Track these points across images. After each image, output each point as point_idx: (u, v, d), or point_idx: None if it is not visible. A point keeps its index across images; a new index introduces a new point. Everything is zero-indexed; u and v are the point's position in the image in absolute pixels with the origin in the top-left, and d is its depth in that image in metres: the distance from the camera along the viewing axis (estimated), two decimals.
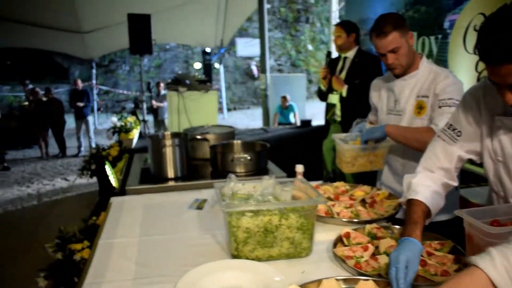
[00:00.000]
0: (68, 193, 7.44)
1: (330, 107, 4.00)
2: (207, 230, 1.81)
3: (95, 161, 4.58)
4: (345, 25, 3.80)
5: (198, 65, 15.81)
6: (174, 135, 2.83)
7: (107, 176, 3.96)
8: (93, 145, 9.92)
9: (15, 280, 4.53)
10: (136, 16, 7.60)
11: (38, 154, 10.38)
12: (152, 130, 8.23)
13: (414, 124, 2.14)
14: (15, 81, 17.98)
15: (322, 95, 4.08)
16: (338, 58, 3.97)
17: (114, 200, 2.21)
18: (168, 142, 2.57)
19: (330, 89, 3.87)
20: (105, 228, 1.87)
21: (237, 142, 2.93)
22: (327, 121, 4.08)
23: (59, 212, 6.47)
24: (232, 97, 18.25)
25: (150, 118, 8.93)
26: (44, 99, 9.88)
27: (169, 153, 2.56)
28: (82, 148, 10.24)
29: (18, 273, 4.67)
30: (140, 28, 7.51)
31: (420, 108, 2.12)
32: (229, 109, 17.14)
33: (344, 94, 3.64)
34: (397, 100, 2.22)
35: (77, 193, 7.38)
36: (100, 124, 13.45)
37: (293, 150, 5.05)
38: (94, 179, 7.48)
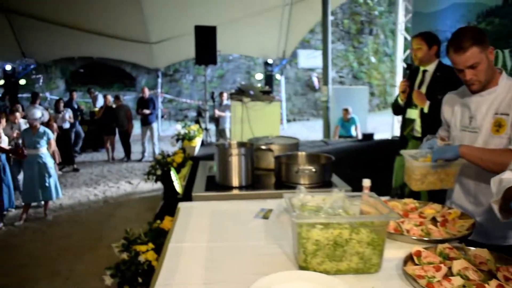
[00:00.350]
0: (131, 196, 7.74)
1: (408, 122, 3.80)
2: (274, 240, 1.82)
3: (160, 167, 4.74)
4: (427, 37, 3.58)
5: (259, 76, 16.01)
6: (240, 144, 2.87)
7: (172, 182, 4.08)
8: (157, 151, 10.28)
9: (82, 276, 4.76)
10: (203, 28, 7.84)
11: (105, 158, 10.91)
12: (213, 139, 8.40)
13: (491, 143, 2.03)
14: (86, 87, 19.10)
15: (399, 109, 3.89)
16: (416, 71, 3.80)
17: (182, 206, 2.27)
18: (235, 151, 2.61)
19: (408, 103, 3.71)
20: (174, 232, 1.93)
21: (301, 154, 2.92)
22: (403, 136, 3.90)
23: (123, 214, 6.73)
24: (292, 108, 18.28)
25: (212, 127, 9.12)
26: (114, 105, 10.37)
27: (235, 162, 2.61)
28: (146, 154, 10.63)
29: (84, 269, 4.91)
30: (205, 40, 7.75)
31: (498, 126, 2.02)
32: (288, 120, 17.17)
33: (426, 109, 3.47)
34: (472, 116, 2.12)
35: (140, 196, 7.66)
36: (163, 131, 13.91)
37: (355, 164, 4.96)
38: (156, 184, 7.75)
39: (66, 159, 9.24)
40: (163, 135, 13.34)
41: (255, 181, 2.77)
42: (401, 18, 9.29)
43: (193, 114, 18.40)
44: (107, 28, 10.79)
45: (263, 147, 2.98)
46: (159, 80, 14.43)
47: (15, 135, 6.95)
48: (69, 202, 7.36)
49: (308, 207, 1.63)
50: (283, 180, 2.72)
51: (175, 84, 19.01)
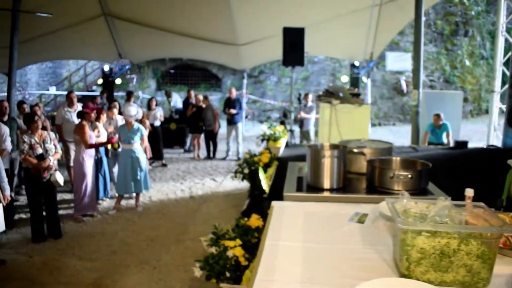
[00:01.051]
0: (215, 192, 7.97)
1: None
2: (370, 245, 1.77)
3: (247, 166, 4.83)
4: None
5: (345, 79, 15.72)
6: (333, 146, 2.83)
7: (259, 181, 4.13)
8: (241, 151, 10.49)
9: (168, 267, 4.97)
10: (291, 29, 7.87)
11: (191, 155, 11.33)
12: (297, 141, 8.40)
13: None
14: (175, 87, 19.97)
15: None
16: None
17: (276, 204, 2.29)
18: (328, 153, 2.58)
19: None
20: (270, 229, 1.94)
21: (396, 159, 2.81)
22: None
23: (207, 210, 6.95)
24: (377, 112, 17.75)
25: (296, 128, 9.13)
26: (203, 105, 10.73)
27: (328, 164, 2.57)
28: (230, 153, 10.89)
29: (171, 260, 5.13)
30: (293, 41, 7.76)
31: None
32: (373, 125, 16.69)
33: None
34: None
35: (224, 194, 7.86)
36: (247, 131, 14.17)
37: (448, 173, 4.70)
38: (240, 182, 7.89)
39: (156, 155, 9.73)
40: (247, 135, 13.58)
41: (346, 185, 2.72)
42: (503, 19, 8.65)
43: (276, 115, 18.55)
44: (197, 31, 11.19)
45: (356, 150, 2.91)
46: (245, 81, 14.71)
47: (111, 129, 7.44)
48: (158, 196, 7.74)
49: (412, 214, 1.56)
50: (376, 185, 2.63)
51: (260, 85, 19.28)
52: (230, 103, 10.46)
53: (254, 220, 3.58)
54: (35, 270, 4.92)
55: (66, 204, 7.10)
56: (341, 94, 4.70)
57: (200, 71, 19.99)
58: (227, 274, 2.99)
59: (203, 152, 11.18)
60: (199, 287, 4.46)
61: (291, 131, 7.71)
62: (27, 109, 7.92)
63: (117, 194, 7.05)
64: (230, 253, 3.09)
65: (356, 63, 13.15)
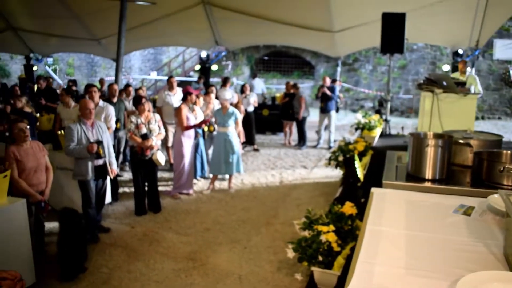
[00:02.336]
0: (305, 179, 7.99)
1: None
2: (478, 238, 1.69)
3: (342, 153, 4.79)
4: None
5: (446, 67, 14.79)
6: (437, 136, 2.71)
7: (353, 168, 4.09)
8: (332, 139, 10.39)
9: (257, 247, 5.11)
10: (391, 15, 7.55)
11: (282, 141, 11.45)
12: (393, 131, 8.10)
13: None
14: (268, 74, 20.20)
15: None
16: None
17: (376, 191, 2.25)
18: (431, 142, 2.48)
19: None
20: (370, 215, 1.92)
21: (507, 152, 2.62)
22: None
23: (297, 195, 7.00)
24: (481, 104, 16.50)
25: (392, 118, 8.80)
26: (294, 93, 10.76)
27: (431, 153, 2.47)
28: (321, 141, 10.83)
29: (260, 242, 5.27)
30: (393, 27, 7.45)
31: None
32: (476, 118, 15.57)
33: None
34: None
35: (313, 181, 7.86)
36: (339, 120, 13.94)
37: None
38: (329, 171, 7.84)
39: (248, 140, 9.98)
40: (338, 124, 13.39)
41: (449, 176, 2.59)
42: None
43: (369, 104, 18.05)
44: (292, 18, 11.14)
45: (461, 141, 2.76)
46: (338, 69, 14.47)
47: (208, 112, 7.74)
48: (249, 179, 7.95)
49: None
50: (482, 178, 2.48)
51: (353, 73, 18.84)
52: (324, 92, 10.34)
53: (348, 208, 3.57)
54: (137, 240, 5.34)
55: (164, 182, 7.58)
56: (445, 83, 4.45)
57: (293, 58, 20.00)
58: (320, 258, 3.03)
59: (294, 139, 11.26)
60: (288, 269, 4.54)
61: (387, 120, 7.47)
62: (133, 92, 8.49)
63: (211, 175, 7.36)
64: (323, 238, 3.12)
65: (460, 51, 12.31)
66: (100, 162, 5.18)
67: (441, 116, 4.33)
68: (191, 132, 6.89)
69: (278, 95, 12.64)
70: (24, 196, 4.28)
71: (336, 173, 7.64)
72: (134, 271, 4.57)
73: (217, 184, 7.52)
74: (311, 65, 19.90)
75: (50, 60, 18.41)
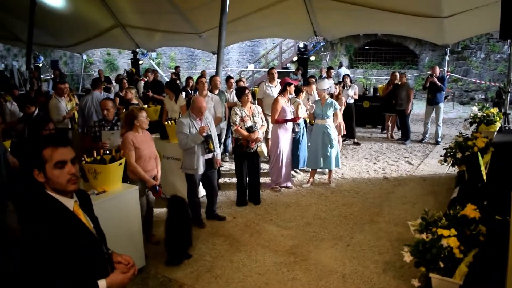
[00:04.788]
0: (411, 176, 7.52)
1: None
2: None
3: (460, 150, 4.36)
4: None
5: None
6: None
7: (475, 167, 3.68)
8: (440, 133, 9.69)
9: (360, 246, 4.87)
10: None
11: (383, 135, 10.94)
12: None
13: None
14: (368, 64, 19.48)
15: None
16: None
17: None
18: None
19: None
20: None
21: None
22: None
23: (402, 193, 6.60)
24: None
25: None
26: (399, 83, 10.18)
27: None
28: (427, 135, 10.15)
29: (364, 240, 5.02)
30: None
31: None
32: None
33: None
34: None
35: (420, 178, 7.36)
36: (445, 113, 12.99)
37: None
38: (437, 167, 7.28)
39: (348, 133, 9.65)
40: (445, 117, 12.49)
41: None
42: None
43: (481, 96, 16.63)
44: (396, 4, 10.52)
45: None
46: (446, 58, 13.45)
47: (310, 103, 7.57)
48: (350, 174, 7.67)
49: None
50: None
51: (463, 62, 17.44)
52: (433, 81, 9.63)
53: (470, 211, 3.21)
54: (238, 230, 5.37)
55: (264, 174, 7.57)
56: None
57: (395, 47, 19.05)
58: (441, 265, 2.74)
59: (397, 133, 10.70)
60: (395, 272, 4.27)
61: (506, 114, 6.74)
62: (234, 84, 8.60)
63: (310, 168, 7.21)
64: (444, 243, 2.83)
65: None
66: (209, 156, 5.29)
67: None
68: (289, 124, 6.77)
69: (380, 86, 12.07)
70: (139, 181, 4.52)
71: (444, 170, 7.09)
72: (236, 261, 4.59)
73: (317, 177, 7.36)
74: (414, 54, 18.80)
75: (154, 54, 19.44)
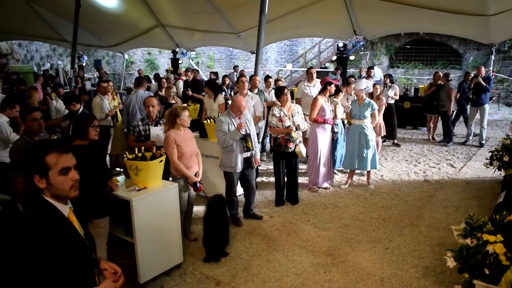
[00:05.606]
0: (453, 179, 7.30)
1: None
2: None
3: (508, 153, 4.20)
4: None
5: None
6: None
7: None
8: (484, 136, 9.36)
9: (400, 249, 4.78)
10: None
11: (425, 136, 10.66)
12: None
13: None
14: (408, 64, 19.03)
15: None
16: None
17: None
18: None
19: None
20: None
21: None
22: None
23: (444, 197, 6.42)
24: None
25: None
26: (441, 83, 9.89)
27: None
28: (471, 137, 9.83)
29: (403, 243, 4.92)
30: None
31: None
32: None
33: None
34: None
35: (463, 181, 7.13)
36: (490, 115, 12.54)
37: None
38: (481, 170, 7.05)
39: (388, 134, 9.46)
40: (490, 119, 12.06)
41: None
42: None
43: None
44: (440, 2, 10.22)
45: None
46: (492, 57, 12.97)
47: (349, 103, 7.47)
48: (390, 175, 7.53)
49: None
50: None
51: (509, 62, 16.75)
52: (477, 82, 9.30)
53: None
54: (275, 229, 5.37)
55: (302, 174, 7.53)
56: None
57: (437, 47, 18.51)
58: (486, 271, 2.64)
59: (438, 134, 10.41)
60: (435, 277, 4.16)
61: None
62: (272, 83, 8.59)
63: (347, 170, 7.12)
64: (490, 249, 2.72)
65: None
66: (247, 154, 5.31)
67: None
68: (328, 124, 6.69)
69: (421, 86, 11.75)
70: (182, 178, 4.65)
71: (489, 174, 6.85)
72: (273, 260, 4.60)
73: (355, 178, 7.26)
74: (458, 53, 18.21)
75: (193, 54, 19.70)
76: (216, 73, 14.24)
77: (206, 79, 13.04)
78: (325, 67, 18.87)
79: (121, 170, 6.22)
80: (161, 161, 4.23)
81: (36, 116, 4.09)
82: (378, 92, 8.05)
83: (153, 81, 13.51)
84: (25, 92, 8.33)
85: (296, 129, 5.89)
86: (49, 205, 1.94)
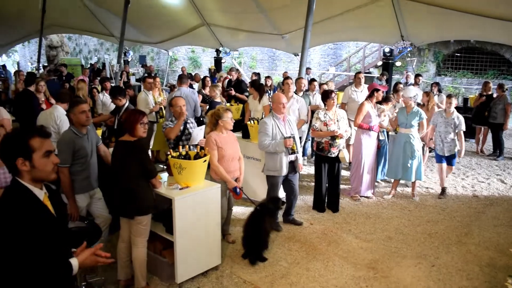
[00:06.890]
0: (504, 196, 6.92)
1: None
2: None
3: None
4: None
5: None
6: None
7: None
8: None
9: (447, 268, 4.53)
10: None
11: (473, 149, 10.21)
12: None
13: None
14: (456, 72, 18.36)
15: None
16: None
17: None
18: None
19: None
20: None
21: None
22: None
23: (494, 214, 6.09)
24: None
25: None
26: (494, 94, 9.45)
27: None
28: None
29: (450, 262, 4.67)
30: None
31: None
32: None
33: None
34: None
35: None
36: None
37: None
38: None
39: None
40: None
41: None
42: None
43: None
44: (494, 8, 9.73)
45: None
46: None
47: (396, 111, 7.21)
48: (436, 188, 7.19)
49: None
50: None
51: None
52: None
53: None
54: (315, 237, 5.22)
55: (343, 181, 7.32)
56: None
57: (488, 55, 17.75)
58: None
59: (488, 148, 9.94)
60: None
61: None
62: (317, 87, 8.42)
63: (392, 179, 6.87)
64: None
65: None
66: (292, 157, 5.17)
67: None
68: (373, 131, 6.47)
69: (471, 96, 11.25)
70: (221, 182, 4.52)
71: None
72: (312, 270, 4.46)
73: (400, 189, 7.00)
74: (510, 63, 17.41)
75: (236, 53, 19.72)
76: (258, 74, 14.14)
77: (248, 79, 13.00)
78: (369, 72, 18.47)
79: (164, 166, 6.20)
80: (205, 160, 4.16)
81: (84, 108, 4.09)
82: (432, 103, 7.62)
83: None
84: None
85: (338, 138, 5.72)
86: (24, 187, 2.07)
